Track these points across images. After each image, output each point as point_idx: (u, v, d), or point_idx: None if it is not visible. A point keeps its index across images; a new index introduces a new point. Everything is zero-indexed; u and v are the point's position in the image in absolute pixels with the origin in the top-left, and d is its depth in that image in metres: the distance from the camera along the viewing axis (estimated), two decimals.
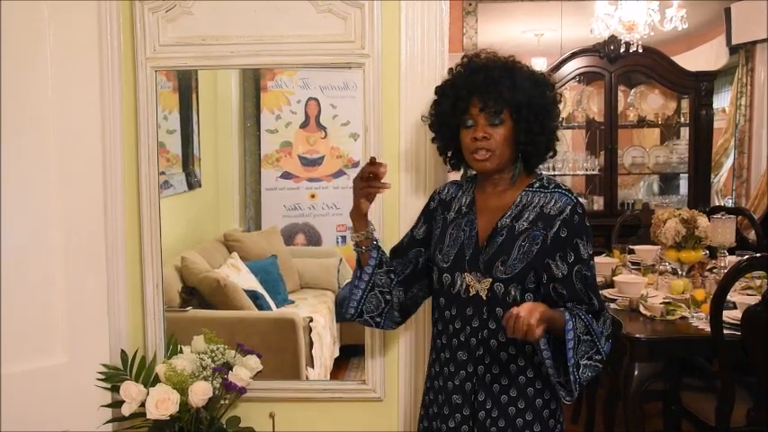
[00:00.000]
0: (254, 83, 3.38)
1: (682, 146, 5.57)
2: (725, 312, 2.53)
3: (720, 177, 6.17)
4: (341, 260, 3.45)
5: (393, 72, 2.04)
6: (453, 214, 1.76)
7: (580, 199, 1.71)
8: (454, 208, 1.77)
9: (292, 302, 3.31)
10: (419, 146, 2.04)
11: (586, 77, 5.55)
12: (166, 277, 2.22)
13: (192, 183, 3.11)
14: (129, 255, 2.10)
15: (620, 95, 5.50)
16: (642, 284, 3.02)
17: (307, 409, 2.15)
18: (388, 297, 1.79)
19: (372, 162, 1.70)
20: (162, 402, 1.85)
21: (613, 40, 5.24)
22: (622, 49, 5.20)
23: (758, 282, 3.14)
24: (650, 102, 5.57)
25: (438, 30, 2.03)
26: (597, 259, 3.34)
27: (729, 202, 5.94)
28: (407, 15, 2.02)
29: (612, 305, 2.93)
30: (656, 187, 6.25)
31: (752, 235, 4.64)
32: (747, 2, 5.54)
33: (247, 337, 2.27)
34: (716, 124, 5.59)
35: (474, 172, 1.76)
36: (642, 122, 5.65)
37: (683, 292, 2.97)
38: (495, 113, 1.63)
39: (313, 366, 2.91)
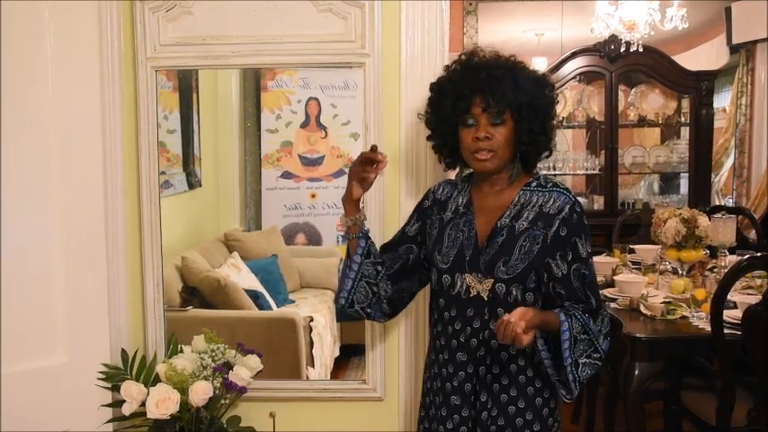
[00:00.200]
0: (254, 82, 3.38)
1: (682, 145, 5.57)
2: (725, 312, 2.52)
3: (721, 177, 6.16)
4: (341, 260, 3.43)
5: (393, 71, 2.03)
6: (450, 214, 1.75)
7: (578, 198, 1.70)
8: (450, 208, 1.76)
9: (293, 302, 3.30)
10: (419, 145, 2.03)
11: (587, 77, 5.54)
12: (167, 277, 2.22)
13: (193, 182, 3.11)
14: (129, 254, 2.10)
15: (621, 95, 5.49)
16: (642, 284, 3.02)
17: (307, 409, 2.15)
18: (374, 289, 1.79)
19: (373, 149, 1.70)
20: (162, 402, 1.85)
21: (614, 39, 5.23)
22: (623, 49, 5.20)
23: (759, 281, 3.14)
24: (651, 101, 5.56)
25: (438, 29, 2.02)
26: (598, 259, 3.34)
27: (730, 202, 5.94)
28: (408, 15, 2.02)
29: (613, 305, 2.93)
30: (656, 187, 6.24)
31: (752, 234, 4.64)
32: (748, 1, 5.54)
33: (248, 337, 2.27)
34: (716, 124, 5.59)
35: (469, 171, 1.75)
36: (642, 122, 5.65)
37: (683, 292, 2.97)
38: (497, 113, 1.63)
39: (313, 366, 2.91)
